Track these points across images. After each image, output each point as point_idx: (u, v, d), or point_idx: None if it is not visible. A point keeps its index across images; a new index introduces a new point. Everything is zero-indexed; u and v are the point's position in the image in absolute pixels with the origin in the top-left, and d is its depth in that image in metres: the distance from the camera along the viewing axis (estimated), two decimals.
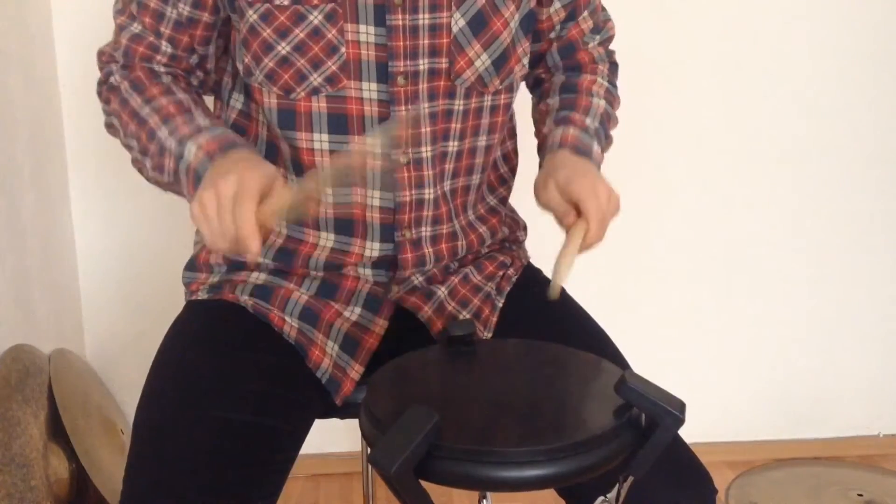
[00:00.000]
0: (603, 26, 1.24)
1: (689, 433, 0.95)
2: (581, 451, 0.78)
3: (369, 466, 1.41)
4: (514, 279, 1.21)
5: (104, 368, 1.98)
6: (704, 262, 2.10)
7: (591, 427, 0.81)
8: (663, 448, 0.81)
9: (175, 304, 1.18)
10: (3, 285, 1.61)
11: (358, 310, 1.13)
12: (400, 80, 1.05)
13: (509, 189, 1.28)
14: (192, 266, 1.18)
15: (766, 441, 2.21)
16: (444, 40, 1.06)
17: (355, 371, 1.11)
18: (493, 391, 0.91)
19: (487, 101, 1.12)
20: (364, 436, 0.86)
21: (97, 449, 1.70)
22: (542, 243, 1.20)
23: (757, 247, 2.11)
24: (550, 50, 1.22)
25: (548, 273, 0.99)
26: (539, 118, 1.22)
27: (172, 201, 1.16)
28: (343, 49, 1.04)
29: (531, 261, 1.29)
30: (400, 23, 1.03)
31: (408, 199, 1.10)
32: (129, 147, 1.09)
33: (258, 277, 1.13)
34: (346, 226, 1.12)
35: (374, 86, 1.05)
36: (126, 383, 1.96)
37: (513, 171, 1.28)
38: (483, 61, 1.09)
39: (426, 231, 1.13)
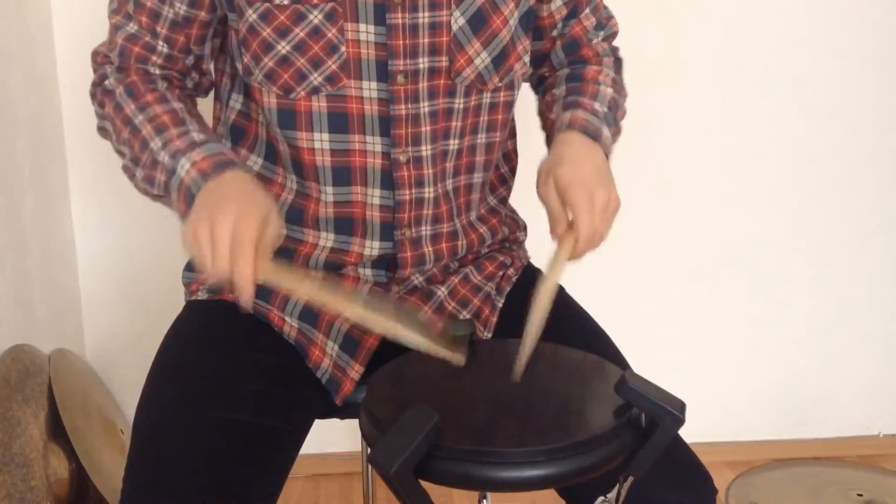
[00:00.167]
0: (606, 23, 1.23)
1: (689, 433, 0.95)
2: (581, 451, 0.78)
3: (369, 466, 1.41)
4: (514, 279, 1.21)
5: (104, 368, 1.98)
6: (704, 262, 2.10)
7: (592, 427, 0.81)
8: (663, 448, 0.81)
9: (175, 304, 1.18)
10: (3, 285, 1.61)
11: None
12: (400, 78, 1.05)
13: (509, 189, 1.28)
14: (191, 266, 1.18)
15: (766, 441, 2.21)
16: (444, 39, 1.06)
17: (355, 371, 1.11)
18: (493, 391, 0.91)
19: (487, 98, 1.12)
20: (364, 436, 0.86)
21: (97, 449, 1.70)
22: (542, 243, 1.20)
23: (757, 247, 2.10)
24: (554, 48, 1.21)
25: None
26: (545, 108, 1.21)
27: None
28: (343, 48, 1.03)
29: (531, 261, 1.29)
30: (400, 21, 1.03)
31: (407, 197, 1.10)
32: (120, 153, 1.08)
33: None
34: (345, 225, 1.11)
35: (374, 85, 1.05)
36: (126, 383, 1.96)
37: (513, 171, 1.27)
38: (483, 59, 1.09)
39: (426, 230, 1.13)
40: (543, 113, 1.23)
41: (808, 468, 2.14)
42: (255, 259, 0.88)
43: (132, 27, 1.08)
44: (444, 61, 1.07)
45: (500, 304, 1.19)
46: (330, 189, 1.09)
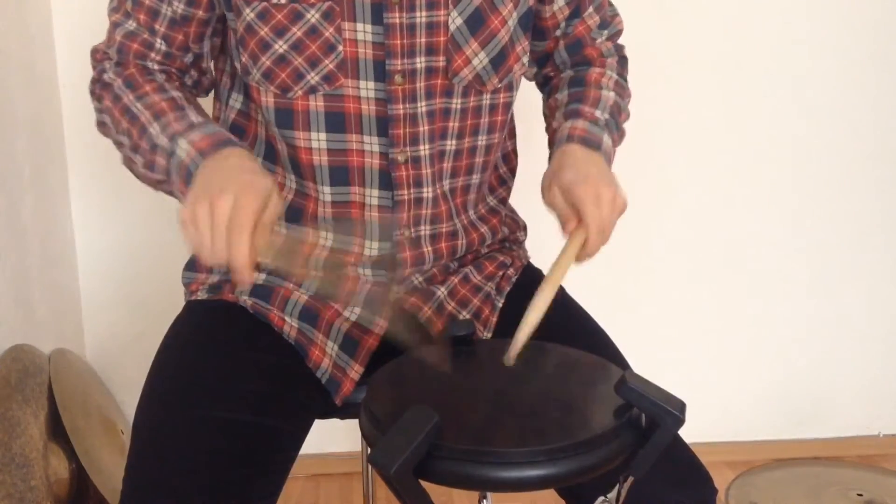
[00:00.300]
0: (611, 21, 1.23)
1: (689, 433, 0.95)
2: (581, 451, 0.78)
3: (369, 466, 1.41)
4: (513, 279, 1.21)
5: (104, 368, 1.98)
6: (704, 262, 2.10)
7: (592, 427, 0.81)
8: (663, 448, 0.81)
9: (175, 304, 1.18)
10: (3, 285, 1.61)
11: (358, 310, 1.13)
12: (397, 78, 1.05)
13: (509, 189, 1.28)
14: (191, 266, 1.18)
15: (766, 441, 2.21)
16: (442, 38, 1.06)
17: (355, 371, 1.11)
18: (493, 391, 0.91)
19: (486, 99, 1.12)
20: (364, 436, 0.86)
21: (97, 449, 1.70)
22: (542, 243, 1.20)
23: (757, 247, 2.10)
24: (558, 48, 1.21)
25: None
26: (549, 114, 1.21)
27: (173, 201, 1.15)
28: (340, 47, 1.03)
29: (531, 261, 1.29)
30: (397, 21, 1.03)
31: (406, 197, 1.10)
32: (119, 144, 1.08)
33: (258, 277, 1.13)
34: (345, 225, 1.11)
35: (371, 84, 1.05)
36: (126, 383, 1.96)
37: (512, 171, 1.27)
38: (481, 60, 1.09)
39: (425, 230, 1.13)
40: (547, 118, 1.23)
41: (808, 468, 2.14)
42: (254, 239, 0.87)
43: (131, 24, 1.08)
44: (441, 61, 1.07)
45: (500, 304, 1.19)
46: (328, 189, 1.09)
